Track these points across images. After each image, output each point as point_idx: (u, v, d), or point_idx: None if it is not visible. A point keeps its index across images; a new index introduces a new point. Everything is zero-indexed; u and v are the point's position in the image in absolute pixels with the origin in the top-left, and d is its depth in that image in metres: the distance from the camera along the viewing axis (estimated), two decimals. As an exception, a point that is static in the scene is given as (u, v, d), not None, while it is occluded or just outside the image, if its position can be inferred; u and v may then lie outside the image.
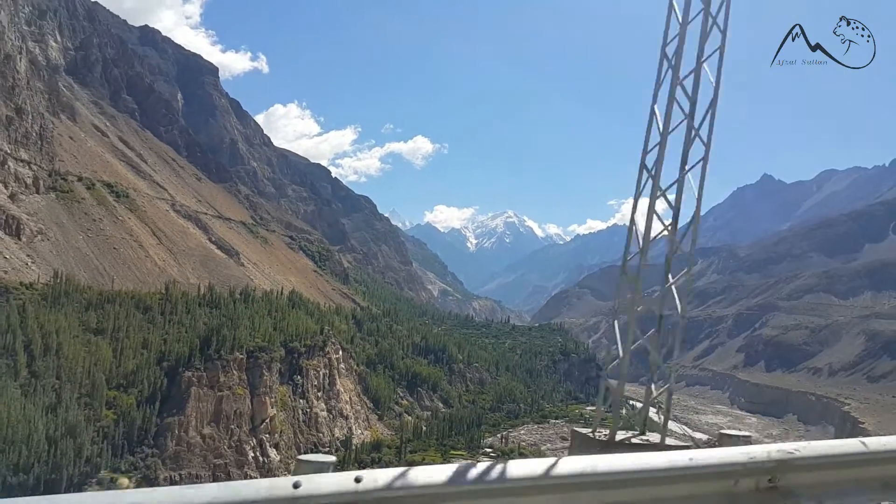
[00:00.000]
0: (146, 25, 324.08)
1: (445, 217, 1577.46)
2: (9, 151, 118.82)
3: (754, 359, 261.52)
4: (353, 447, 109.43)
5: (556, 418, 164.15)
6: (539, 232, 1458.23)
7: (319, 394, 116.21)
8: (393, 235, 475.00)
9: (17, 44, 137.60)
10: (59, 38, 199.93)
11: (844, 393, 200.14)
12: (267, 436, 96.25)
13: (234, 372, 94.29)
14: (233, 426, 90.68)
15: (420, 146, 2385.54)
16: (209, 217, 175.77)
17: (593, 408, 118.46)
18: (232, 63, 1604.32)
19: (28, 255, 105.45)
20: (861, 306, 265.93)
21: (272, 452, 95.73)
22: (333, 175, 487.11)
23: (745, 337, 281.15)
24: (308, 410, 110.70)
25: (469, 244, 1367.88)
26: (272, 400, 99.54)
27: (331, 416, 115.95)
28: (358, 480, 2.89)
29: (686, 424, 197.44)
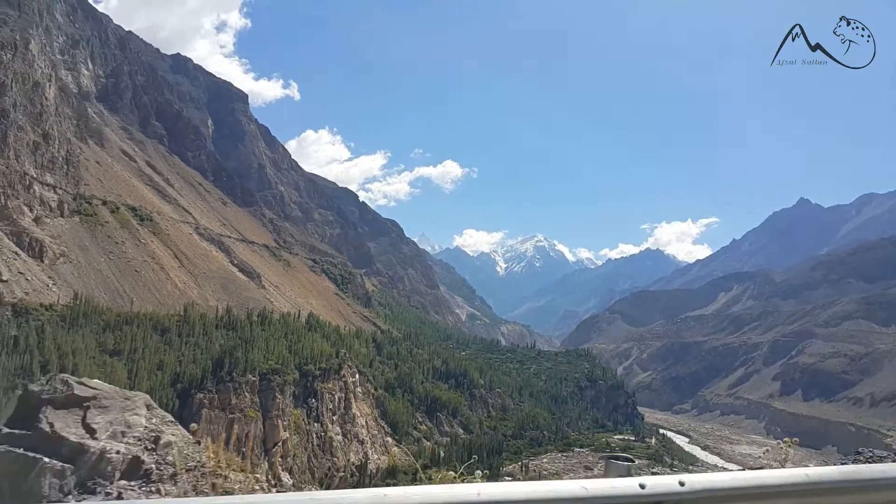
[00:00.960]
0: (178, 53, 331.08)
1: (475, 241, 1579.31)
2: (35, 175, 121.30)
3: (791, 387, 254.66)
4: (369, 472, 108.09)
5: (580, 447, 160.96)
6: (570, 256, 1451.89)
7: (334, 417, 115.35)
8: (420, 259, 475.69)
9: (47, 72, 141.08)
10: (90, 66, 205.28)
11: (887, 424, 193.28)
12: (280, 459, 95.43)
13: (247, 394, 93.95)
14: (244, 449, 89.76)
15: (449, 170, 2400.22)
16: (232, 240, 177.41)
17: (621, 437, 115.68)
18: (264, 90, 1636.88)
19: (49, 277, 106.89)
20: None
21: (285, 476, 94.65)
22: (361, 199, 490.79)
23: (781, 364, 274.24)
24: (323, 434, 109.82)
25: (498, 268, 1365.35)
26: (285, 423, 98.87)
27: (346, 440, 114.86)
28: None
29: (719, 455, 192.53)
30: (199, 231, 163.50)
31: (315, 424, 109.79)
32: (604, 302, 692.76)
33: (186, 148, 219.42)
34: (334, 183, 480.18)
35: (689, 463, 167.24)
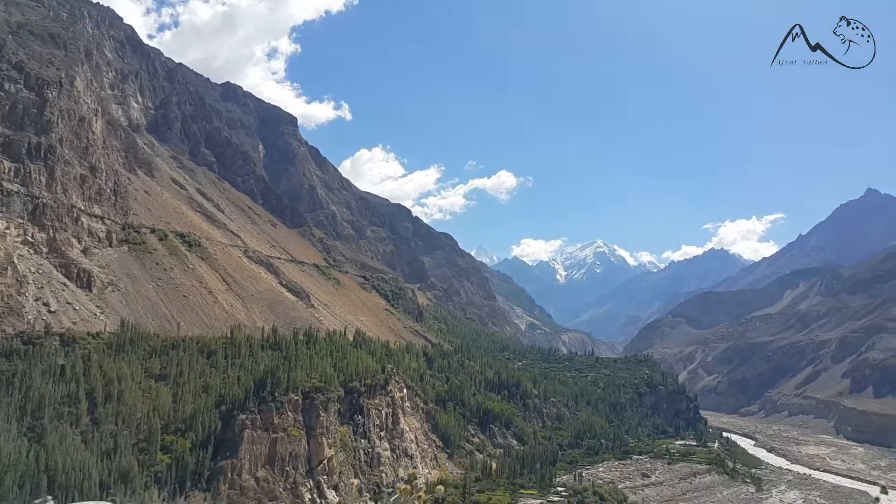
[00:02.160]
0: (228, 82, 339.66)
1: (533, 250, 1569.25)
2: (83, 208, 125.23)
3: (862, 384, 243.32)
4: (416, 487, 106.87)
5: (639, 454, 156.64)
6: (631, 261, 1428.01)
7: (382, 433, 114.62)
8: (475, 271, 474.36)
9: (93, 107, 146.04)
10: (140, 99, 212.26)
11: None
12: (325, 477, 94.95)
13: (290, 413, 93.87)
14: (288, 468, 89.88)
15: (504, 181, 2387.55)
16: (282, 261, 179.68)
17: (682, 442, 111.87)
18: (316, 113, 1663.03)
19: (97, 306, 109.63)
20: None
21: (330, 494, 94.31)
22: (415, 214, 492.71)
23: (850, 361, 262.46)
24: (370, 450, 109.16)
25: (558, 276, 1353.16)
26: (330, 441, 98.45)
27: (394, 456, 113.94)
28: None
29: (785, 457, 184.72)
30: (247, 254, 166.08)
31: (362, 441, 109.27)
32: (667, 306, 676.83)
33: (236, 173, 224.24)
34: (387, 200, 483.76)
35: (752, 466, 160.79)
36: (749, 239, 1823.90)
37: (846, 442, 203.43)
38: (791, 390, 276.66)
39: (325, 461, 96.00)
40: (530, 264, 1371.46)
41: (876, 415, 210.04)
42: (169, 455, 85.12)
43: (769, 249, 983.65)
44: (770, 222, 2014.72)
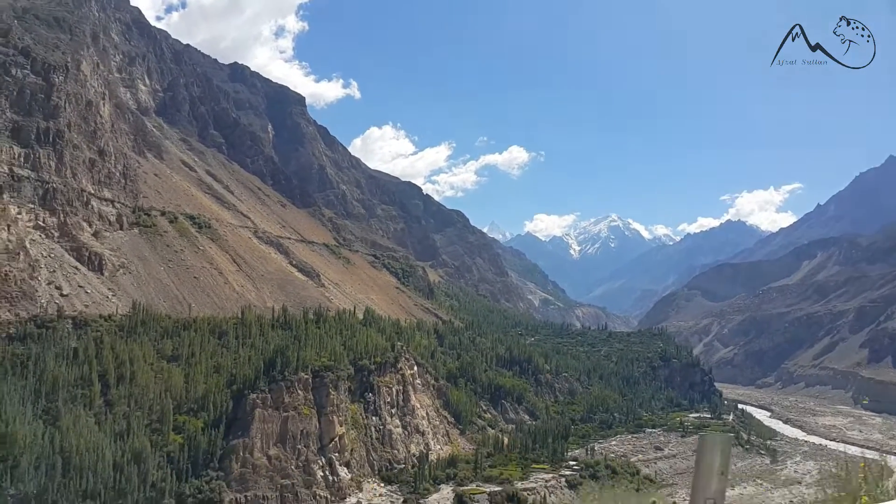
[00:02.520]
0: (235, 62, 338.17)
1: (546, 226, 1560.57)
2: (92, 192, 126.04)
3: (880, 354, 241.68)
4: (428, 463, 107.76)
5: (652, 427, 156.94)
6: (646, 234, 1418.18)
7: (393, 410, 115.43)
8: (487, 247, 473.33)
9: (101, 90, 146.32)
10: (148, 82, 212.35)
11: None
12: (336, 455, 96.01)
13: (300, 392, 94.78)
14: (300, 446, 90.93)
15: (515, 156, 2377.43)
16: (292, 241, 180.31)
17: (696, 415, 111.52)
18: (325, 92, 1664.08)
19: (109, 289, 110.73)
20: None
21: (342, 471, 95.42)
22: (426, 192, 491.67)
23: (868, 331, 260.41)
24: (381, 427, 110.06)
25: (572, 251, 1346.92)
26: (341, 418, 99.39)
27: (406, 433, 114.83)
28: None
29: (801, 428, 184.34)
30: (257, 235, 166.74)
31: (373, 418, 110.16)
32: (683, 279, 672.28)
33: (245, 154, 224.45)
34: (397, 178, 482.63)
35: (767, 438, 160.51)
36: (767, 210, 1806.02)
37: (863, 412, 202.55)
38: (808, 361, 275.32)
39: (337, 439, 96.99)
40: (543, 240, 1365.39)
41: (894, 384, 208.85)
42: (182, 435, 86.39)
43: (787, 220, 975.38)
44: (788, 192, 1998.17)
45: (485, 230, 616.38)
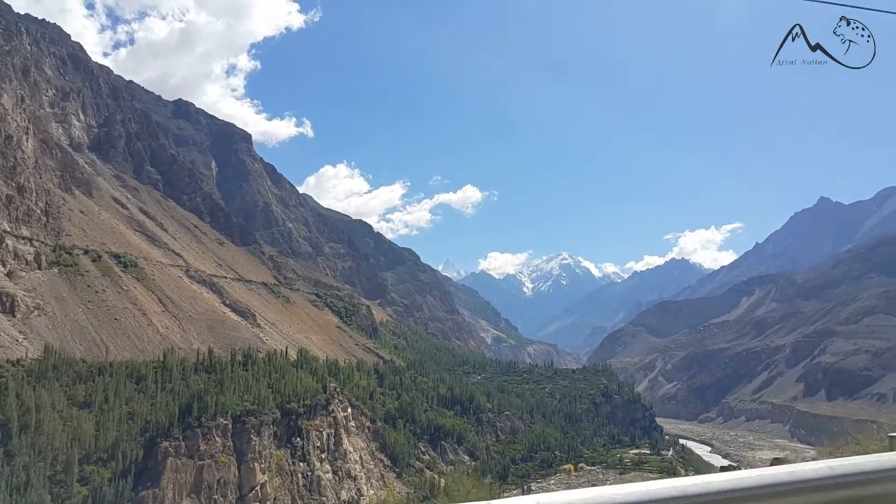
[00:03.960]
0: (180, 99, 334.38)
1: (500, 264, 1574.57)
2: (8, 229, 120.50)
3: (814, 388, 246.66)
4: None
5: (592, 464, 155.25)
6: (596, 272, 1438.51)
7: (323, 455, 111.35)
8: (438, 286, 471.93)
9: (24, 125, 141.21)
10: (81, 117, 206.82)
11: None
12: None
13: (217, 439, 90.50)
14: (216, 496, 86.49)
15: (469, 195, 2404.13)
16: (227, 280, 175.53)
17: (637, 451, 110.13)
18: (277, 130, 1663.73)
19: (21, 332, 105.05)
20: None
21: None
22: (376, 230, 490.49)
23: (804, 366, 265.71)
24: (309, 474, 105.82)
25: (525, 289, 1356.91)
26: (263, 466, 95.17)
27: (337, 478, 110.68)
28: None
29: (739, 462, 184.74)
30: (189, 274, 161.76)
31: (301, 464, 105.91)
32: (631, 315, 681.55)
33: (182, 191, 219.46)
34: (347, 216, 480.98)
35: (705, 472, 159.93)
36: (708, 248, 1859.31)
37: (800, 445, 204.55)
38: (748, 396, 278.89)
39: (258, 487, 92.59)
40: (497, 277, 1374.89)
41: (826, 417, 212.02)
42: (87, 486, 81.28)
43: (728, 258, 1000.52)
44: (729, 231, 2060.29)
45: (439, 268, 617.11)
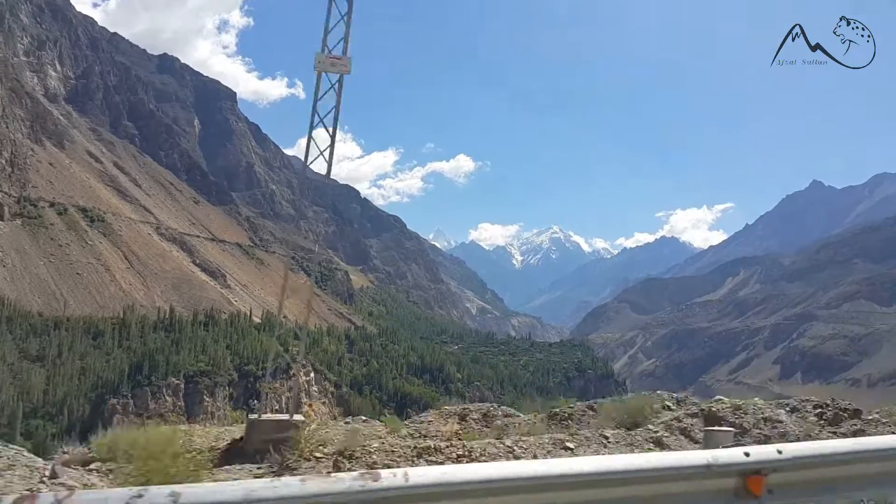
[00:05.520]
0: (165, 53, 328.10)
1: (490, 235, 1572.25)
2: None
3: (790, 370, 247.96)
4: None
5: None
6: (586, 247, 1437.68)
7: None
8: (423, 254, 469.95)
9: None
10: (59, 68, 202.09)
11: (880, 405, 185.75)
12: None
13: (168, 398, 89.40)
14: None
15: (462, 164, 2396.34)
16: (200, 239, 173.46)
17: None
18: (269, 90, 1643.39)
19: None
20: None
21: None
22: (364, 196, 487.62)
23: (782, 348, 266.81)
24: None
25: (514, 261, 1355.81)
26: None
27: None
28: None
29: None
30: (160, 231, 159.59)
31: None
32: (618, 291, 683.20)
33: (159, 147, 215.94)
34: (335, 180, 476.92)
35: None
36: (699, 227, 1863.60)
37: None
38: (724, 375, 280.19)
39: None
40: (487, 248, 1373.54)
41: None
42: (31, 441, 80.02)
43: (718, 238, 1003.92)
44: (720, 212, 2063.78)
45: (430, 237, 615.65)
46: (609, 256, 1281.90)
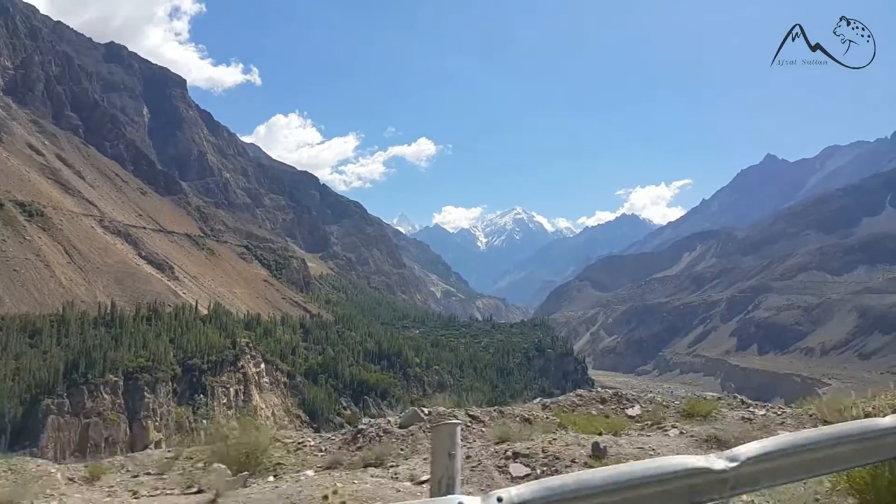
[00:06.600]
0: (112, 42, 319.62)
1: (454, 218, 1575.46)
2: None
3: (747, 342, 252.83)
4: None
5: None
6: (549, 227, 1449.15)
7: (230, 412, 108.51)
8: (385, 239, 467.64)
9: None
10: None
11: (832, 373, 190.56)
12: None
13: (106, 396, 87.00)
14: (101, 456, 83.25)
15: (423, 148, 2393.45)
16: (146, 231, 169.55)
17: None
18: (223, 77, 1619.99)
19: None
20: (854, 282, 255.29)
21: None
22: (323, 182, 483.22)
23: (738, 320, 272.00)
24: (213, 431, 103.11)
25: (479, 243, 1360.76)
26: (158, 423, 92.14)
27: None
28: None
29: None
30: (103, 224, 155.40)
31: (204, 422, 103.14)
32: (580, 270, 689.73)
33: (104, 138, 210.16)
34: (292, 167, 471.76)
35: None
36: (658, 204, 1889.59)
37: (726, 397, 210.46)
38: (683, 349, 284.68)
39: (152, 445, 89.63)
40: (452, 232, 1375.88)
41: (755, 371, 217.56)
42: (-39, 447, 77.36)
43: (677, 214, 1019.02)
44: (678, 188, 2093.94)
45: (393, 221, 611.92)
46: (571, 236, 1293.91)
